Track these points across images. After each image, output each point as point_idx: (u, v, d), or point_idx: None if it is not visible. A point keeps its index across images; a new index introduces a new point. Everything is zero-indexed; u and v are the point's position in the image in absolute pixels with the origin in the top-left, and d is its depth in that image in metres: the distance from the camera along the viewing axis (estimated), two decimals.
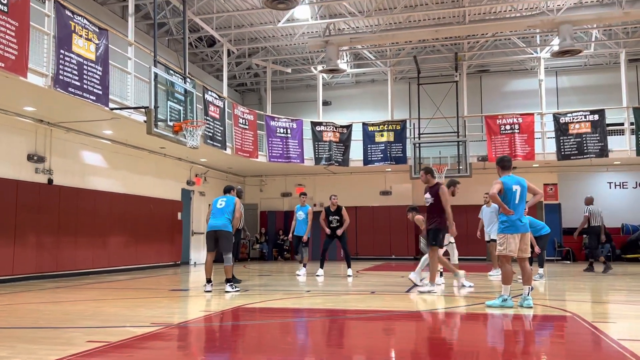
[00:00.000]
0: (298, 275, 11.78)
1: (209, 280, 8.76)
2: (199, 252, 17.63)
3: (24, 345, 4.51)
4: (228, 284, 8.64)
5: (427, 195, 8.48)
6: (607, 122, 16.30)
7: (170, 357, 4.30)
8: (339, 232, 11.58)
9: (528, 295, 6.58)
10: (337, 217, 11.73)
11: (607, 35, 17.33)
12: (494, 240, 11.25)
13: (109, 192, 13.39)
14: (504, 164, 6.91)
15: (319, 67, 18.56)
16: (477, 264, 17.21)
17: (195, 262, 17.37)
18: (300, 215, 12.15)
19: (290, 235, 12.50)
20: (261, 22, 16.05)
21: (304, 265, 12.17)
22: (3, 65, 7.73)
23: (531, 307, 6.49)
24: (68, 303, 7.43)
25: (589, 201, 13.34)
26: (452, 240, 9.78)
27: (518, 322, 6.06)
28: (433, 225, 8.37)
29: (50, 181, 11.58)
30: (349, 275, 11.64)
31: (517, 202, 6.64)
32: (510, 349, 4.67)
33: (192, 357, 4.39)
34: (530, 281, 6.69)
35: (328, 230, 11.74)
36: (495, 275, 11.58)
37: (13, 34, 7.92)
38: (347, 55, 19.00)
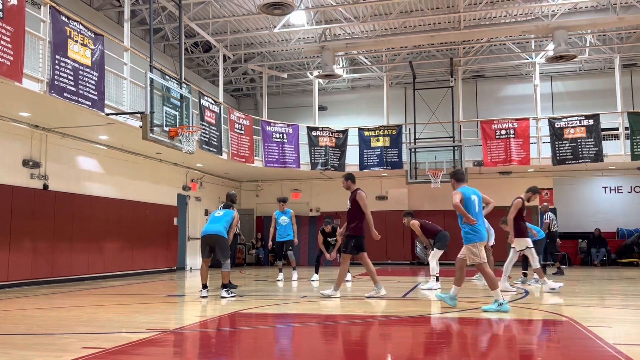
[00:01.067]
0: (278, 280, 11.87)
1: (204, 286, 8.74)
2: (194, 258, 17.59)
3: (19, 352, 4.48)
4: (224, 289, 8.62)
5: (348, 201, 8.59)
6: (602, 126, 16.38)
7: None
8: (334, 254, 11.98)
9: (499, 299, 6.64)
10: (334, 238, 12.13)
11: (601, 41, 17.44)
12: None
13: (105, 197, 13.36)
14: (458, 177, 7.16)
15: (315, 73, 18.60)
16: (469, 269, 17.22)
17: (191, 268, 17.32)
18: (283, 220, 12.09)
19: (270, 242, 12.51)
20: (257, 28, 16.09)
21: (294, 268, 12.25)
22: None
23: (508, 312, 6.55)
24: (63, 309, 7.40)
25: (547, 209, 13.82)
26: (531, 244, 9.57)
27: (514, 327, 6.07)
28: (348, 231, 8.46)
29: (45, 187, 11.55)
30: (347, 280, 11.65)
31: (476, 210, 6.86)
32: (506, 353, 4.67)
33: None
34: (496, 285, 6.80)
35: (328, 256, 11.99)
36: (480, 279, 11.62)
37: (8, 39, 7.91)
38: (342, 61, 19.05)
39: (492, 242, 12.21)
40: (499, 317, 6.34)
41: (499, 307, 6.56)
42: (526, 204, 9.55)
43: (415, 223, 10.26)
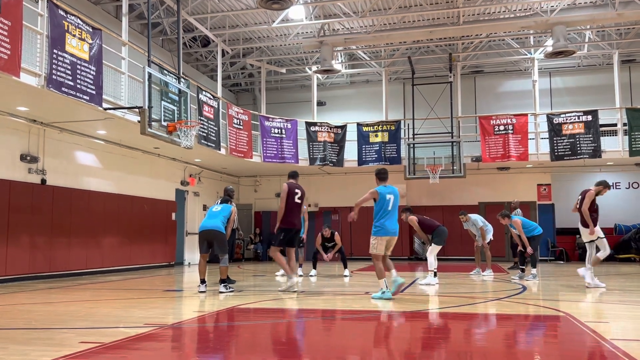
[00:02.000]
0: (277, 275, 11.97)
1: (202, 281, 8.75)
2: (193, 253, 17.59)
3: (17, 347, 4.48)
4: (222, 284, 8.62)
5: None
6: (600, 122, 16.39)
7: (164, 358, 4.28)
8: (330, 255, 12.21)
9: (397, 276, 7.55)
10: (333, 243, 12.35)
11: (600, 36, 17.42)
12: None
13: (103, 192, 13.35)
14: (381, 176, 7.88)
15: (314, 68, 18.57)
16: (468, 264, 17.25)
17: (189, 263, 17.33)
18: None
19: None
20: (255, 22, 16.04)
21: (300, 265, 12.31)
22: None
23: (392, 299, 7.39)
24: (61, 304, 7.40)
25: (517, 205, 14.02)
26: (602, 234, 9.52)
27: (511, 322, 6.09)
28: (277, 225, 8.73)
29: (43, 181, 11.53)
30: (345, 275, 11.72)
31: (389, 208, 7.47)
32: (502, 349, 4.68)
33: (186, 358, 4.38)
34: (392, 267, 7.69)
35: (325, 257, 12.12)
36: (488, 275, 11.69)
37: (6, 33, 7.87)
38: (341, 56, 19.02)
39: (489, 238, 12.25)
40: (496, 312, 6.35)
41: (382, 294, 7.40)
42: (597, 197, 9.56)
43: (413, 219, 10.28)
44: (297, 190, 8.75)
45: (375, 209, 7.54)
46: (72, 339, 4.83)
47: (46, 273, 11.43)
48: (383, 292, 7.49)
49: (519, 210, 13.93)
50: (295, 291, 8.50)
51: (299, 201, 8.74)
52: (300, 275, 11.92)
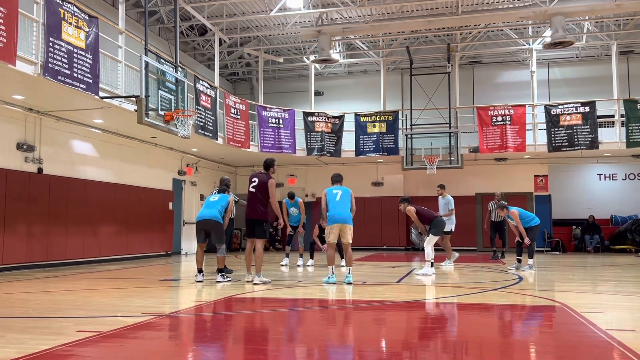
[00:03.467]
0: (281, 265, 12.02)
1: (200, 271, 8.76)
2: (190, 242, 17.59)
3: (14, 335, 4.49)
4: (219, 274, 8.64)
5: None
6: (598, 114, 16.39)
7: (161, 347, 4.30)
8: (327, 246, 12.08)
9: (349, 274, 8.39)
10: None
11: (598, 27, 17.38)
12: (447, 233, 11.97)
13: (100, 181, 13.32)
14: (333, 179, 9.04)
15: (312, 57, 18.49)
16: (469, 254, 17.32)
17: (186, 252, 17.34)
18: (293, 211, 12.27)
19: (289, 229, 12.57)
20: (253, 11, 15.94)
21: (301, 255, 12.39)
22: None
23: (351, 284, 8.16)
24: (58, 293, 7.41)
25: (501, 198, 14.11)
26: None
27: (507, 313, 6.12)
28: (262, 216, 8.60)
29: (40, 170, 11.49)
30: (342, 266, 11.71)
31: (337, 200, 8.51)
32: (498, 338, 4.71)
33: (183, 347, 4.39)
34: (351, 263, 8.52)
35: (323, 247, 11.94)
36: (447, 265, 11.81)
37: (2, 20, 7.81)
38: (339, 46, 18.94)
39: (450, 228, 12.25)
40: (491, 303, 6.37)
41: (328, 279, 8.34)
42: None
43: (411, 209, 10.28)
44: (253, 179, 8.55)
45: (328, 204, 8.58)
46: (69, 327, 4.84)
47: (43, 262, 11.42)
48: (329, 277, 8.37)
49: (504, 202, 13.90)
50: (229, 280, 8.57)
51: (252, 190, 8.47)
52: (299, 265, 11.96)
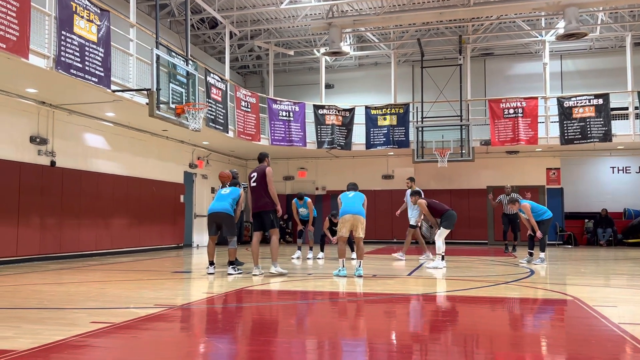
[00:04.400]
0: (292, 258, 12.06)
1: (211, 263, 8.81)
2: (201, 235, 17.70)
3: (29, 326, 4.55)
4: (230, 266, 8.69)
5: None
6: (612, 106, 16.21)
7: (173, 339, 4.33)
8: (336, 238, 12.11)
9: (359, 267, 8.44)
10: None
11: (613, 18, 17.15)
12: (413, 227, 11.91)
13: (112, 174, 13.42)
14: (348, 187, 9.14)
15: (322, 50, 18.44)
16: (480, 247, 17.26)
17: (197, 245, 17.45)
18: (302, 211, 12.34)
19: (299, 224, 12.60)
20: (263, 4, 15.91)
21: (311, 248, 12.45)
22: (4, 46, 7.69)
23: (361, 277, 8.22)
24: (72, 284, 7.49)
25: (510, 191, 13.99)
26: None
27: (518, 306, 6.10)
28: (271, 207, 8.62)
29: (53, 163, 11.59)
30: (353, 259, 11.73)
31: (350, 196, 8.82)
32: (510, 332, 4.70)
33: (195, 338, 4.42)
34: (362, 256, 8.61)
35: (333, 239, 11.94)
36: (401, 257, 11.76)
37: (14, 14, 7.86)
38: (350, 38, 18.86)
39: (415, 220, 12.13)
40: (502, 296, 6.35)
41: (338, 272, 8.42)
42: None
43: (422, 202, 10.26)
44: (252, 175, 8.66)
45: None
46: (83, 318, 4.89)
47: (56, 254, 11.55)
48: (339, 270, 8.45)
49: (515, 194, 13.72)
50: (240, 273, 8.63)
51: (253, 185, 8.58)
52: (308, 258, 12.01)
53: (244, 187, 10.67)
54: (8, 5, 7.77)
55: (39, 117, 11.28)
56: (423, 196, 10.86)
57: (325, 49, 17.16)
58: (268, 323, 5.10)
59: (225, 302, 6.25)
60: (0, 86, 10.00)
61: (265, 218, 8.45)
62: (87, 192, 12.47)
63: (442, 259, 9.93)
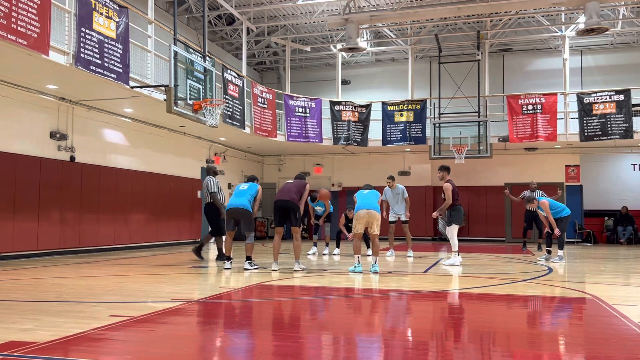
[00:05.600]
0: (308, 254, 12.12)
1: (228, 258, 8.87)
2: None
3: (49, 319, 4.62)
4: (247, 261, 8.73)
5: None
6: (633, 102, 15.93)
7: (190, 332, 4.37)
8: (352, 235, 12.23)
9: (375, 263, 8.44)
10: None
11: (635, 13, 16.85)
12: (405, 222, 11.89)
13: (130, 169, 13.55)
14: (364, 187, 9.24)
15: (339, 46, 18.40)
16: (497, 245, 17.13)
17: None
18: (318, 209, 12.44)
19: (312, 217, 12.67)
20: (280, 0, 15.92)
21: (327, 244, 12.51)
22: (25, 42, 7.80)
23: (377, 273, 8.23)
24: (91, 278, 7.59)
25: (535, 187, 13.61)
26: None
27: (537, 304, 6.04)
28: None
29: (72, 159, 11.74)
30: (368, 255, 11.73)
31: (364, 193, 8.93)
32: (528, 330, 4.66)
33: (211, 332, 4.46)
34: (377, 253, 8.52)
35: (349, 235, 11.92)
36: (390, 255, 11.74)
37: (35, 11, 7.97)
38: (367, 34, 18.79)
39: (405, 216, 12.01)
40: (519, 294, 6.30)
41: (354, 268, 8.47)
42: None
43: (448, 187, 10.07)
44: (289, 181, 9.11)
45: None
46: (102, 312, 4.96)
47: (76, 248, 11.71)
48: (355, 267, 8.49)
49: (539, 191, 13.56)
50: (256, 268, 8.74)
51: (289, 182, 9.02)
52: (324, 254, 12.04)
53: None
54: (29, 3, 7.88)
55: (58, 113, 11.43)
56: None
57: (342, 45, 17.12)
58: (283, 318, 5.12)
59: (241, 297, 6.29)
60: (21, 82, 10.16)
61: (291, 213, 8.58)
62: (106, 188, 12.61)
63: (458, 255, 9.88)
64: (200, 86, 11.03)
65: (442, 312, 5.61)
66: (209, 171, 10.66)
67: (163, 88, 10.37)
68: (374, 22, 16.35)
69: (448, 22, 17.87)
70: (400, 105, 17.60)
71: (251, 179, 9.49)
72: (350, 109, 17.62)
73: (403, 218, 11.92)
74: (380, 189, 9.70)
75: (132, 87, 10.23)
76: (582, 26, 14.73)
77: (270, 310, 5.49)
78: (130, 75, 10.12)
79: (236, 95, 14.10)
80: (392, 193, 11.99)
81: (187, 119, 10.86)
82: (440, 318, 5.23)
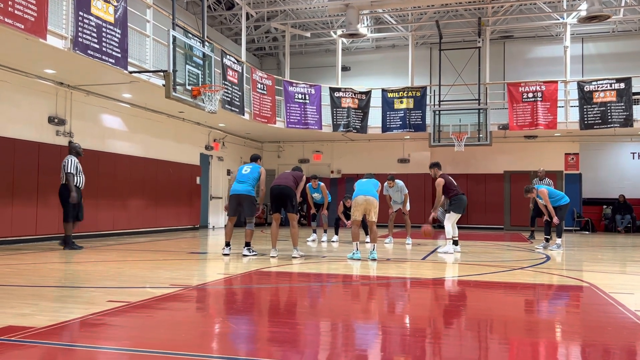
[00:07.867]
0: (307, 241, 12.12)
1: (227, 244, 8.88)
2: (217, 216, 17.83)
3: (47, 304, 4.63)
4: (246, 247, 8.74)
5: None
6: (634, 90, 15.88)
7: (188, 318, 4.38)
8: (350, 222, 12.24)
9: (373, 250, 8.51)
10: None
11: (637, 0, 16.72)
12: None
13: (129, 155, 13.52)
14: (363, 175, 9.41)
15: (339, 32, 18.27)
16: (496, 232, 17.17)
17: (213, 226, 17.58)
18: (316, 196, 12.34)
19: (312, 208, 12.66)
20: None
21: (325, 231, 12.47)
22: (23, 26, 7.73)
23: (375, 260, 8.27)
24: (89, 263, 7.60)
25: (544, 175, 13.66)
26: None
27: (534, 292, 6.06)
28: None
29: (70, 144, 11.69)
30: (367, 242, 11.74)
31: (363, 181, 9.03)
32: (525, 317, 4.67)
33: (209, 318, 4.47)
34: (376, 240, 8.62)
35: (347, 223, 11.89)
36: (389, 243, 11.92)
37: None
38: (367, 20, 18.65)
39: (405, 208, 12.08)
40: (516, 282, 6.32)
41: (353, 255, 8.53)
42: None
43: (440, 182, 9.96)
44: (286, 171, 9.38)
45: None
46: (100, 297, 4.97)
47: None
48: (353, 254, 8.54)
49: (547, 179, 13.55)
50: (255, 254, 8.76)
51: (286, 171, 9.34)
52: (323, 241, 12.06)
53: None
54: None
55: (57, 97, 11.37)
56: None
57: (342, 31, 16.99)
58: (282, 304, 5.14)
59: (240, 283, 6.30)
60: (19, 67, 10.09)
61: (287, 199, 8.65)
62: (105, 173, 12.59)
63: (455, 243, 9.86)
64: (199, 72, 10.97)
65: (440, 299, 5.63)
66: (71, 150, 9.67)
67: (162, 73, 10.32)
68: (375, 7, 16.22)
69: (449, 9, 17.74)
70: (400, 92, 17.53)
71: (253, 158, 9.40)
72: (350, 95, 17.56)
73: (403, 210, 12.10)
74: (379, 178, 9.69)
75: (131, 72, 10.17)
76: (583, 13, 14.63)
77: (269, 297, 5.51)
78: (129, 60, 10.06)
79: (235, 81, 14.03)
80: (392, 191, 12.13)
81: (186, 104, 10.81)
82: (437, 305, 5.25)
